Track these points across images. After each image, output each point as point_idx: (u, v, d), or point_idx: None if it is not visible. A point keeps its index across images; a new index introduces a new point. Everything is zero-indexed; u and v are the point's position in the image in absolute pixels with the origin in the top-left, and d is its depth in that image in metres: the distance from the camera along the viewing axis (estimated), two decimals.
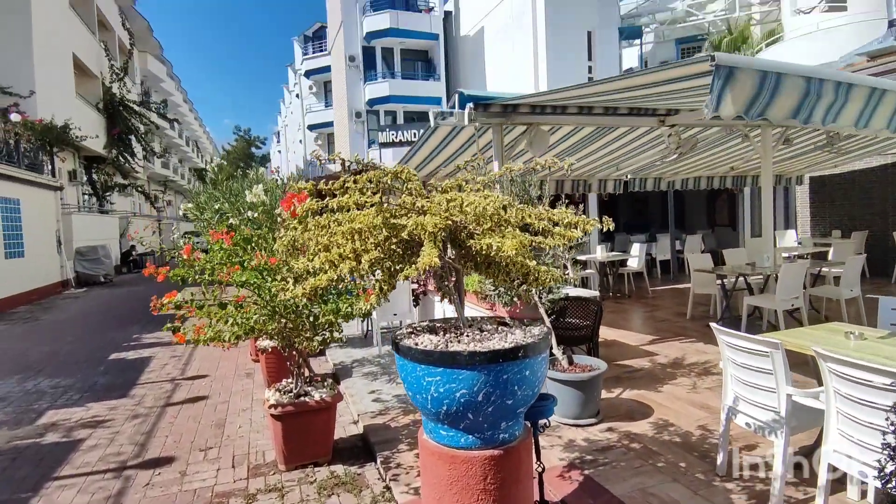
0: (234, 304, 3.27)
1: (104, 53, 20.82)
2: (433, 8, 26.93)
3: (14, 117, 13.49)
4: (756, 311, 6.64)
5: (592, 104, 5.05)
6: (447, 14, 26.89)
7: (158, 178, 31.11)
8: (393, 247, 2.20)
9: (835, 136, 6.71)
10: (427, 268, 1.92)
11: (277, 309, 3.14)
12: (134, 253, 20.93)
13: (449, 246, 2.46)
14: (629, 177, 9.51)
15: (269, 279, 2.99)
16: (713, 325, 2.97)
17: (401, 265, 2.32)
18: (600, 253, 9.22)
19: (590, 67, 20.32)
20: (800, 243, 10.14)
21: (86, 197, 19.22)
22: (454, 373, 1.92)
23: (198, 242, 5.13)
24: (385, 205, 2.32)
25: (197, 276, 3.23)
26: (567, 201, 3.65)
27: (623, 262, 9.59)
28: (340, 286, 2.68)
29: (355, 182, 2.66)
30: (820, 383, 2.48)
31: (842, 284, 6.39)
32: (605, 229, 2.27)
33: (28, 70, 14.76)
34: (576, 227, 2.33)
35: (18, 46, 14.69)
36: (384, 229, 2.23)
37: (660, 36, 21.81)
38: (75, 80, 18.00)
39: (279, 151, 56.49)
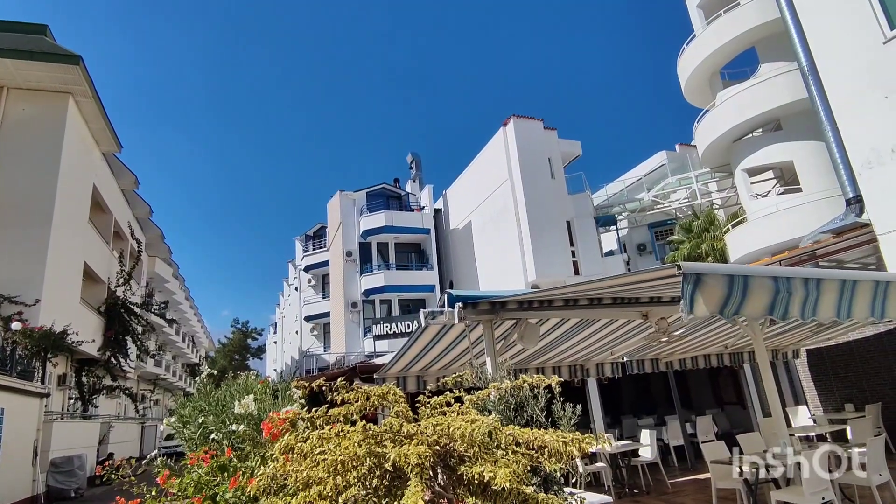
0: None
1: (116, 261, 21.86)
2: (424, 207, 29.61)
3: (15, 326, 13.60)
4: None
5: (577, 296, 5.23)
6: (437, 211, 29.46)
7: (149, 377, 30.48)
8: (375, 481, 2.04)
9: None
10: None
11: None
12: (111, 462, 19.45)
13: (440, 471, 2.30)
14: (626, 359, 9.43)
15: None
16: None
17: (387, 500, 2.14)
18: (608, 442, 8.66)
19: (573, 252, 21.63)
20: (814, 421, 9.66)
21: (71, 401, 18.51)
22: None
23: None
24: (370, 430, 2.22)
25: None
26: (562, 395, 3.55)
27: (635, 452, 8.96)
28: None
29: (343, 402, 2.60)
30: None
31: (869, 470, 5.94)
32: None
33: (38, 280, 15.04)
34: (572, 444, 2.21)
35: (33, 258, 15.13)
36: (368, 459, 2.10)
37: (633, 222, 23.67)
38: (82, 286, 18.54)
39: (275, 342, 56.62)
